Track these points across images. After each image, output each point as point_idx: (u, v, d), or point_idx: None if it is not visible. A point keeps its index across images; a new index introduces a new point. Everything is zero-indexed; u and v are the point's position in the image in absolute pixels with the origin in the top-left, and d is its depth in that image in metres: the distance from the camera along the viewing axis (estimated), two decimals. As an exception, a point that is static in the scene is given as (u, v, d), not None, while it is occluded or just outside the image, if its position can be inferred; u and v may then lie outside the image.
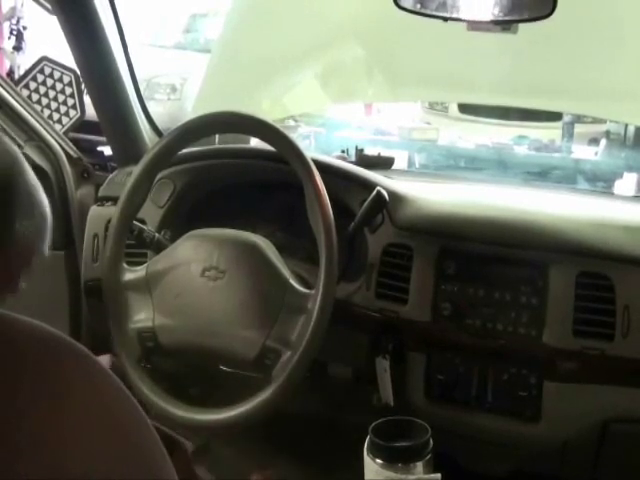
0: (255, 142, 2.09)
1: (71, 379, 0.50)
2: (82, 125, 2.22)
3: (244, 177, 1.86)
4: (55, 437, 0.47)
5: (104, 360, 1.48)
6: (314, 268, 1.51)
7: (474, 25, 1.42)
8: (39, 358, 0.50)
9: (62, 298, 2.03)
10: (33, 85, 2.18)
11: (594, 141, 4.95)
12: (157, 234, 1.72)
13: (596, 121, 5.00)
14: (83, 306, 2.00)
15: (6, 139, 1.06)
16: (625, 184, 2.28)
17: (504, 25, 1.40)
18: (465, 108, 5.73)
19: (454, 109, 5.94)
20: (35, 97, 2.17)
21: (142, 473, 0.51)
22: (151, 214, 1.80)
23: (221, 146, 1.99)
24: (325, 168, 1.60)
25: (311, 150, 2.43)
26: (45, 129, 2.06)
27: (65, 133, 2.15)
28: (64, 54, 1.98)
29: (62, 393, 0.49)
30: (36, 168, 1.94)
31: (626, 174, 2.33)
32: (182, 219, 1.85)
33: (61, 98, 2.18)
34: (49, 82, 2.18)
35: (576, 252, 1.54)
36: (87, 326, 2.05)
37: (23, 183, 1.04)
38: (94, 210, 1.94)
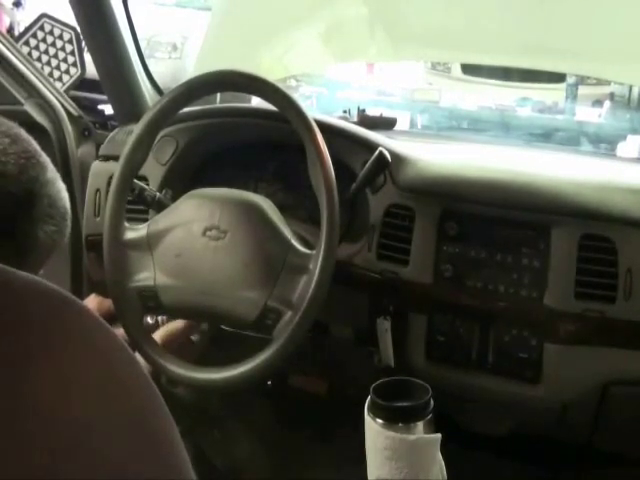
0: (256, 102, 2.07)
1: (71, 334, 0.50)
2: (82, 83, 2.20)
3: (246, 136, 1.85)
4: (53, 388, 0.47)
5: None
6: (316, 229, 1.51)
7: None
8: (39, 313, 0.49)
9: (63, 255, 2.03)
10: (33, 42, 2.16)
11: (598, 103, 4.92)
12: (158, 193, 1.72)
13: (600, 83, 4.97)
14: (84, 262, 2.00)
15: (37, 149, 1.07)
16: (629, 146, 2.26)
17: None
18: (468, 69, 5.69)
19: (457, 70, 5.90)
20: (35, 54, 2.15)
21: (141, 432, 0.51)
22: (153, 171, 1.80)
23: (223, 105, 1.98)
24: (327, 128, 1.59)
25: (313, 110, 2.41)
26: (46, 86, 2.04)
27: (66, 91, 2.14)
28: (64, 11, 1.96)
29: (61, 347, 0.49)
30: (36, 126, 1.95)
31: (630, 136, 2.31)
32: (184, 178, 1.84)
33: (61, 55, 2.16)
34: (49, 39, 2.17)
35: (579, 214, 1.54)
36: (88, 281, 2.05)
37: (47, 195, 1.05)
38: (96, 165, 1.94)
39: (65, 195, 1.14)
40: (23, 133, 1.08)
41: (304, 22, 2.62)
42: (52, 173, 1.10)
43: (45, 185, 1.07)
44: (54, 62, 2.16)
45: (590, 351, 1.52)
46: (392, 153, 1.64)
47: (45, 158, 1.10)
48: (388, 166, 1.63)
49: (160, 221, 1.57)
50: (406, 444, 1.03)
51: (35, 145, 1.09)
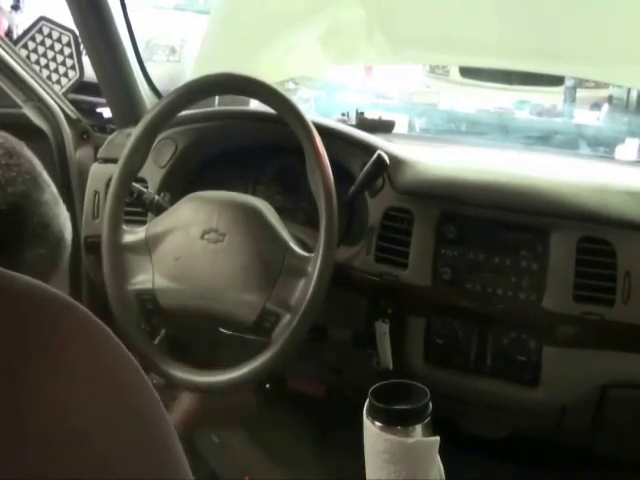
0: (255, 105, 2.07)
1: (70, 337, 0.50)
2: (81, 86, 2.20)
3: (245, 139, 1.85)
4: (53, 392, 0.47)
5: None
6: (314, 231, 1.51)
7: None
8: (39, 315, 0.49)
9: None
10: (31, 45, 2.15)
11: (596, 106, 4.93)
12: (157, 196, 1.71)
13: (598, 86, 4.98)
14: (83, 264, 2.00)
15: (38, 169, 1.06)
16: (627, 149, 2.26)
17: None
18: (466, 72, 5.69)
19: (455, 73, 5.90)
20: (34, 57, 2.15)
21: (140, 435, 0.50)
22: (152, 174, 1.80)
23: (222, 108, 1.98)
24: (326, 131, 1.59)
25: (311, 113, 2.41)
26: (44, 89, 2.04)
27: (64, 94, 2.14)
28: (63, 14, 1.96)
29: (60, 351, 0.49)
30: (35, 129, 1.95)
31: (628, 139, 2.32)
32: (182, 181, 1.84)
33: (60, 59, 2.16)
34: (47, 42, 2.16)
35: (577, 217, 1.54)
36: (86, 283, 2.05)
37: (38, 215, 1.04)
38: (95, 167, 1.94)
39: (64, 223, 1.10)
40: (26, 151, 1.07)
41: (303, 25, 2.62)
42: (51, 196, 1.08)
43: (39, 205, 1.04)
44: (52, 65, 2.16)
45: (589, 354, 1.52)
46: (390, 156, 1.64)
47: (46, 179, 1.08)
48: (386, 169, 1.63)
49: (159, 224, 1.57)
50: (405, 447, 1.03)
51: (36, 164, 1.07)
